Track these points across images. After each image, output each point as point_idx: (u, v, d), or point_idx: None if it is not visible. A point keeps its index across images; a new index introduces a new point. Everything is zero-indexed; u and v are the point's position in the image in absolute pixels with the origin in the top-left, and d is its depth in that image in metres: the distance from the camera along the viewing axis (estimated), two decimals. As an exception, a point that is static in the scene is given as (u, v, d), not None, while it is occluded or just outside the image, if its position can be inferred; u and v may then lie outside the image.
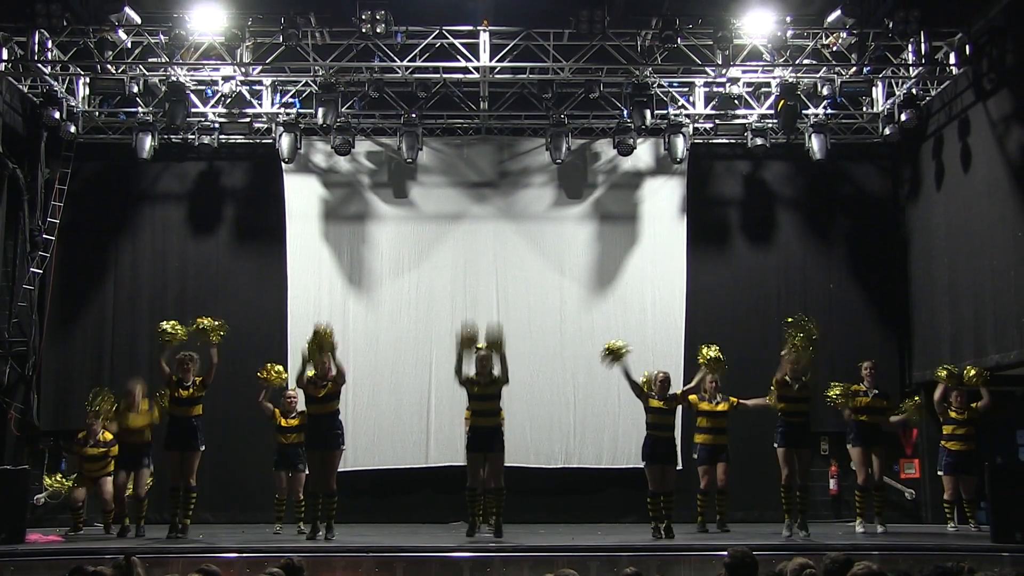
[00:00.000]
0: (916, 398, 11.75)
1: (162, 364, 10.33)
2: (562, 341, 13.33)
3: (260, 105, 13.10)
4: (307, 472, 11.03)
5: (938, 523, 12.56)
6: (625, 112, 13.06)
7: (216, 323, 10.47)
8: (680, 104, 13.23)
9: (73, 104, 12.77)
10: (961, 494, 11.28)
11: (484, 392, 10.00)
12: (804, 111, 12.93)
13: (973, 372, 11.01)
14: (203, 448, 10.36)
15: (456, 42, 12.27)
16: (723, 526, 11.11)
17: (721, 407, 11.16)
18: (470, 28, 12.30)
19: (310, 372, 10.15)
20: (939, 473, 11.49)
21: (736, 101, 13.21)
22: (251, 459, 12.96)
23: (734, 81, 12.88)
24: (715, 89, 13.11)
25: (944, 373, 11.11)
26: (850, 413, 10.87)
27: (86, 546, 9.41)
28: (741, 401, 11.19)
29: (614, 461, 12.94)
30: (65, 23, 11.49)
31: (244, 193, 13.82)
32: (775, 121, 12.98)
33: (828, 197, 13.97)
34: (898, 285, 13.66)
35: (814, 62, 12.57)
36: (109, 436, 10.86)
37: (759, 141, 13.36)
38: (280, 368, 11.36)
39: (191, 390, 10.24)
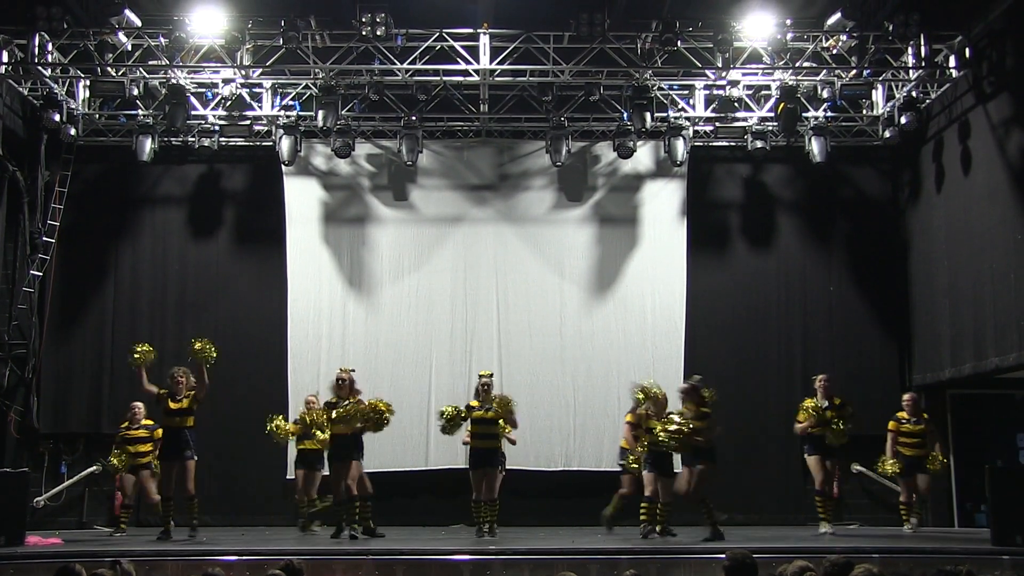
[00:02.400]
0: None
1: (145, 387, 10.58)
2: (562, 344, 13.33)
3: (260, 108, 13.11)
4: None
5: (938, 526, 12.60)
6: (625, 115, 13.07)
7: (207, 345, 10.62)
8: (680, 107, 13.23)
9: (73, 107, 12.76)
10: (919, 493, 11.68)
11: (484, 417, 10.62)
12: (804, 114, 12.93)
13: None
14: (195, 459, 10.56)
15: (456, 45, 12.28)
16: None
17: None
18: (470, 31, 12.31)
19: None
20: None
21: (736, 104, 13.22)
22: (251, 462, 12.99)
23: (734, 84, 12.89)
24: (715, 92, 13.11)
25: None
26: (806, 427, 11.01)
27: (86, 548, 9.39)
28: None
29: (614, 464, 12.89)
30: (65, 26, 11.50)
31: (244, 196, 13.83)
32: (775, 124, 12.98)
33: (828, 200, 13.97)
34: (898, 288, 13.66)
35: (814, 65, 12.57)
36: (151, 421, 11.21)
37: (759, 144, 13.35)
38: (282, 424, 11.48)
39: (183, 402, 10.47)
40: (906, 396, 11.79)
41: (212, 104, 13.04)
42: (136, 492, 11.34)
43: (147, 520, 12.70)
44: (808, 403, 11.01)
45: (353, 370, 10.84)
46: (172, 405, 10.44)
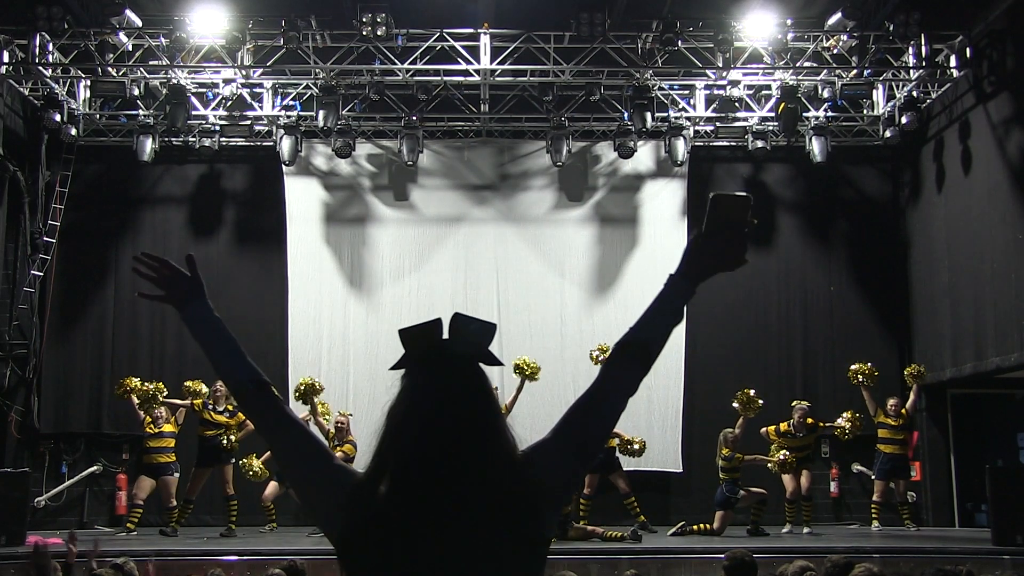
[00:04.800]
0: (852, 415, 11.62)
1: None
2: (562, 344, 13.32)
3: (261, 108, 13.10)
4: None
5: (940, 526, 12.59)
6: (626, 115, 13.06)
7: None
8: (681, 107, 13.23)
9: (74, 107, 12.75)
10: (896, 497, 11.92)
11: None
12: (805, 114, 12.92)
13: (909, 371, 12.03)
14: (234, 460, 11.38)
15: (457, 45, 12.28)
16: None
17: None
18: (471, 31, 12.31)
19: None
20: (872, 477, 12.12)
21: (737, 104, 13.22)
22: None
23: (735, 84, 12.89)
24: (716, 92, 13.10)
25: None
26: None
27: (86, 548, 9.37)
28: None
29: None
30: (66, 26, 11.50)
31: (245, 196, 13.82)
32: (776, 124, 12.98)
33: (829, 200, 13.96)
34: (899, 288, 13.65)
35: (815, 65, 12.57)
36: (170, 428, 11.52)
37: (759, 144, 13.36)
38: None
39: (223, 415, 11.28)
40: (892, 400, 11.94)
41: (213, 104, 13.03)
42: (152, 493, 11.41)
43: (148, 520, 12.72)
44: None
45: (350, 414, 11.56)
46: (214, 416, 11.23)
